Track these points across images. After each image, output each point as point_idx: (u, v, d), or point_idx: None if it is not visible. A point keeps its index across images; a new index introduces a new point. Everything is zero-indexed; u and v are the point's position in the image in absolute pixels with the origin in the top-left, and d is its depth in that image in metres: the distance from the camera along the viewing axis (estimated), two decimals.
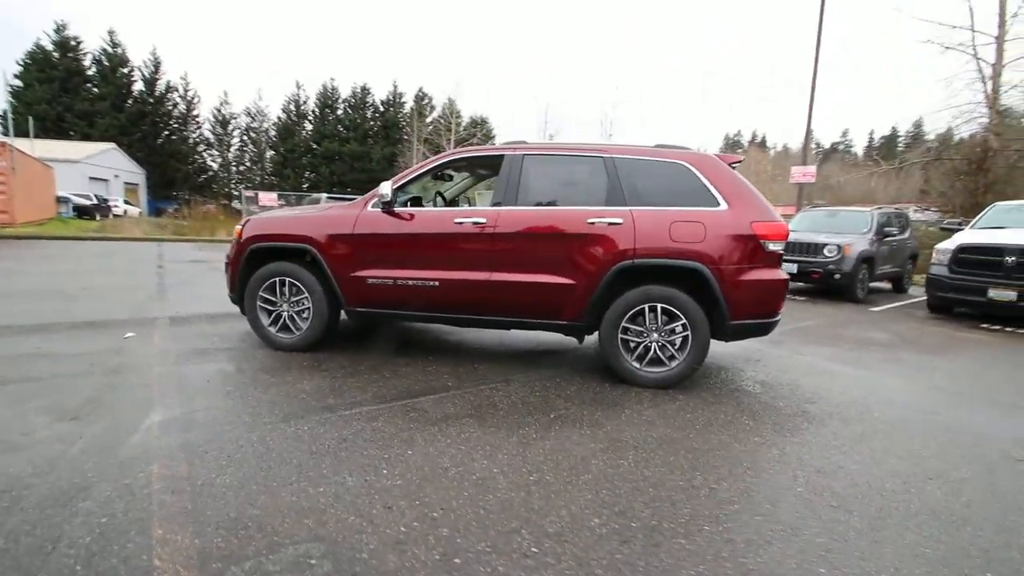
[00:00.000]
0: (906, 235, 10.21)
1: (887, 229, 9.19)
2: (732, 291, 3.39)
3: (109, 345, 4.00)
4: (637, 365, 3.56)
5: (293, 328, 4.04)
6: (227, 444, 2.39)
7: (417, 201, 4.46)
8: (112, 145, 37.21)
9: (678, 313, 3.45)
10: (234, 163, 50.03)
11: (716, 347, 4.20)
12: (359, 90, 49.11)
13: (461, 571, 1.61)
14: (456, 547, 1.72)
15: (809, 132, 15.07)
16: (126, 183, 38.51)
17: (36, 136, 30.47)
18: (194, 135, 47.54)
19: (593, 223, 3.51)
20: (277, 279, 3.99)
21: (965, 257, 7.00)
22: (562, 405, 3.15)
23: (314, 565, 1.60)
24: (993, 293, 6.62)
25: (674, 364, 3.52)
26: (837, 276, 8.40)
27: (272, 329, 4.06)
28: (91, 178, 32.70)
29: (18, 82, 38.82)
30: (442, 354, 4.20)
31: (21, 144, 21.59)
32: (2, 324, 4.43)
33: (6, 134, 30.47)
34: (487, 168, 4.66)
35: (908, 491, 2.32)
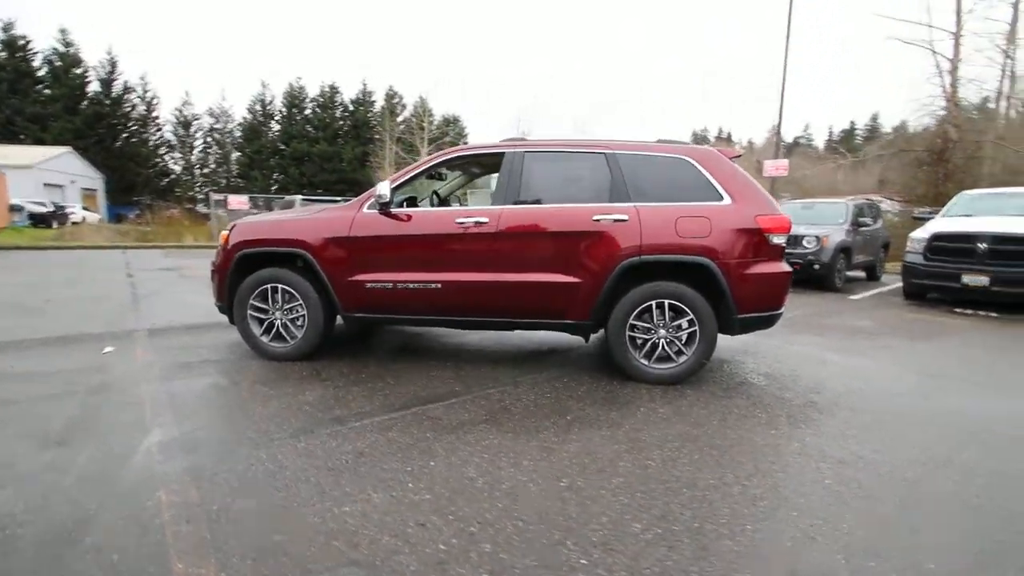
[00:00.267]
0: (878, 225, 10.54)
1: (861, 219, 9.46)
2: (738, 285, 3.39)
3: (87, 362, 3.76)
4: (645, 362, 3.53)
5: (287, 336, 3.87)
6: (236, 465, 2.24)
7: (412, 201, 4.33)
8: (67, 149, 35.43)
9: (685, 309, 3.43)
10: (198, 165, 48.26)
11: None
12: (327, 89, 48.00)
13: None
14: (503, 564, 1.64)
15: (780, 127, 15.44)
16: (84, 189, 36.76)
17: None
18: (155, 137, 45.59)
19: (598, 220, 3.46)
20: (268, 286, 3.81)
21: (939, 245, 7.24)
22: (576, 406, 3.10)
23: None
24: (967, 279, 6.86)
25: (682, 360, 3.50)
26: (817, 267, 8.59)
27: (264, 338, 3.88)
28: (46, 184, 31.11)
29: None
30: (443, 358, 4.10)
31: None
32: None
33: None
34: (486, 166, 4.57)
35: (927, 478, 2.34)
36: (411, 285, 3.63)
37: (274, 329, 3.86)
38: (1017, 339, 5.45)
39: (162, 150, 46.19)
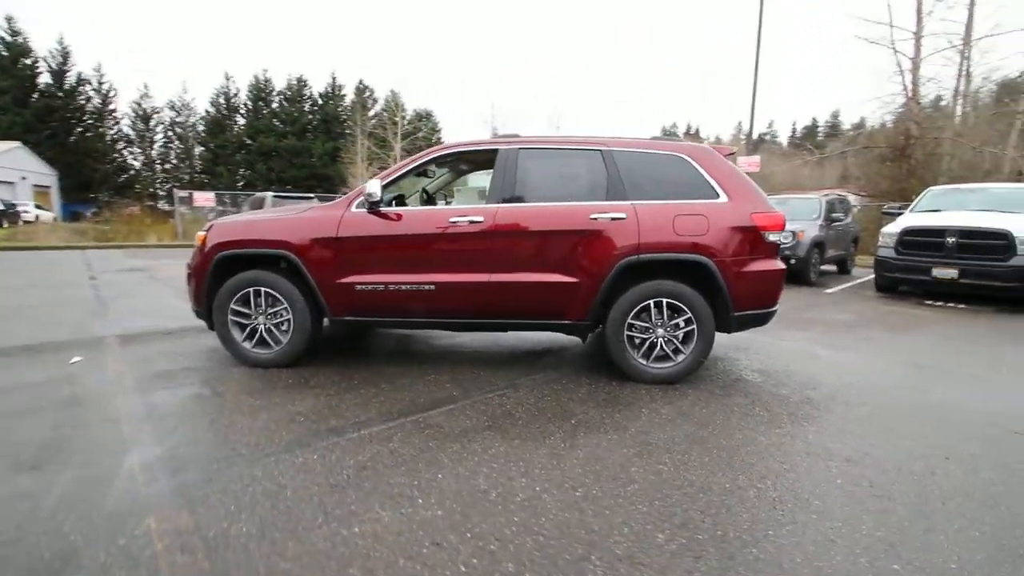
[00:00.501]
0: (849, 219, 10.84)
1: (834, 215, 9.70)
2: (736, 283, 3.39)
3: (54, 373, 3.51)
4: (644, 362, 3.50)
5: (271, 342, 3.69)
6: (230, 484, 2.10)
7: (400, 200, 4.19)
8: (17, 144, 33.58)
9: (683, 307, 3.41)
10: (159, 161, 46.36)
11: None
12: (295, 82, 46.76)
13: None
14: None
15: (752, 125, 15.74)
16: (36, 186, 34.89)
17: None
18: (112, 132, 43.61)
19: (596, 219, 3.40)
20: (251, 289, 3.63)
21: (910, 239, 7.47)
22: (579, 409, 3.04)
23: None
24: (937, 272, 7.11)
25: (680, 359, 3.48)
26: (793, 261, 8.76)
27: (247, 344, 3.70)
28: None
29: None
30: (437, 361, 3.98)
31: None
32: None
33: None
34: (476, 163, 4.46)
35: (934, 473, 2.37)
36: (403, 287, 3.51)
37: (257, 334, 3.68)
38: (991, 329, 5.66)
39: (120, 145, 44.28)
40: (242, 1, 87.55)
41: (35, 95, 38.45)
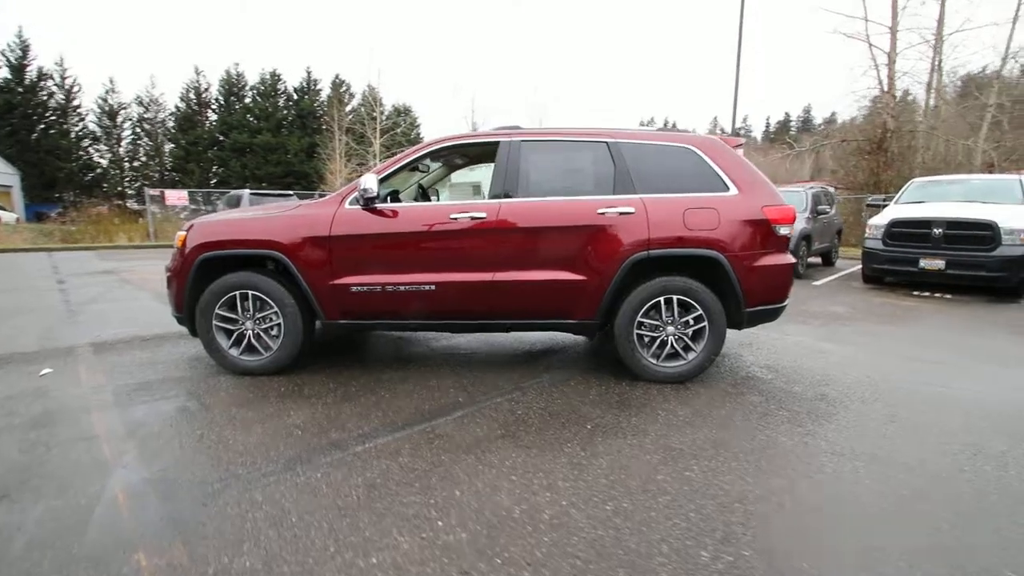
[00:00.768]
0: (833, 211, 10.95)
1: (820, 207, 9.77)
2: (747, 278, 3.29)
3: (22, 386, 3.24)
4: (654, 361, 3.39)
5: (260, 348, 3.47)
6: (227, 510, 1.91)
7: (395, 196, 3.99)
8: None
9: (694, 304, 3.31)
10: (127, 159, 44.71)
11: None
12: (268, 76, 45.55)
13: None
14: None
15: (735, 120, 15.80)
16: None
17: None
18: (76, 128, 41.86)
19: (604, 213, 3.26)
20: (237, 293, 3.40)
21: (897, 231, 7.54)
22: (593, 412, 2.91)
23: None
24: (924, 263, 7.18)
25: (691, 357, 3.38)
26: None
27: (234, 352, 3.47)
28: None
29: None
30: (437, 364, 3.81)
31: None
32: None
33: None
34: (477, 157, 4.27)
35: (964, 470, 2.30)
36: (402, 287, 3.32)
37: (245, 340, 3.46)
38: (985, 320, 5.70)
39: (85, 142, 42.51)
40: None
41: None
